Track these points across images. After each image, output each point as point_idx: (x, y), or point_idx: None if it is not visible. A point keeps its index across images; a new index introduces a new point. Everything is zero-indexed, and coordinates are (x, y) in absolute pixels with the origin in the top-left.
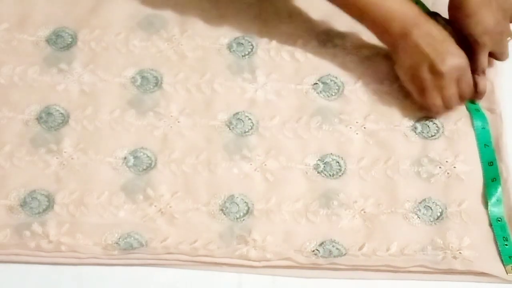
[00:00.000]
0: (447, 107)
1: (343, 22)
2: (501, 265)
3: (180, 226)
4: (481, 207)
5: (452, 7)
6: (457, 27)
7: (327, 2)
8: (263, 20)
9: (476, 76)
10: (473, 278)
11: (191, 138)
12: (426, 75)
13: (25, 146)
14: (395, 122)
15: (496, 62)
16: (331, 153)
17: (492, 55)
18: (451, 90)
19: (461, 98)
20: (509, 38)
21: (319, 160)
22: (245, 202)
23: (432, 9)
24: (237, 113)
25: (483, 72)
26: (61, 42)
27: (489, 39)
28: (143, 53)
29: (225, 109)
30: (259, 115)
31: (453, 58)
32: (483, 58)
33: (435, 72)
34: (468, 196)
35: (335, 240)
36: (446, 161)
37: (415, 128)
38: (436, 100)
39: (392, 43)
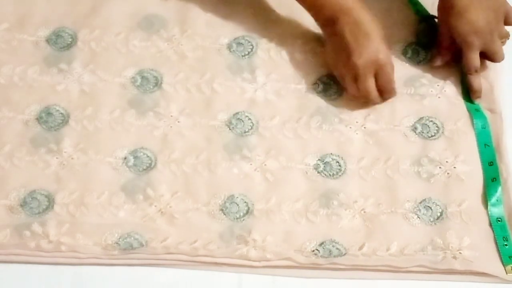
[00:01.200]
0: (366, 99)
1: None
2: (501, 265)
3: (180, 226)
4: (481, 207)
5: (441, 7)
6: (446, 26)
7: None
8: (263, 20)
9: (470, 75)
10: (473, 278)
11: (191, 138)
12: (344, 64)
13: (25, 146)
14: (395, 122)
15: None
16: (331, 153)
17: (485, 56)
18: (366, 83)
19: (381, 93)
20: (503, 39)
21: (319, 160)
22: (245, 202)
23: (432, 9)
24: (237, 113)
25: (476, 71)
26: (61, 42)
27: (478, 38)
28: (143, 53)
29: (225, 109)
30: (259, 115)
31: (371, 52)
32: (473, 57)
33: (352, 63)
34: (468, 196)
35: (335, 240)
36: (446, 161)
37: (415, 128)
38: (352, 89)
39: (322, 27)
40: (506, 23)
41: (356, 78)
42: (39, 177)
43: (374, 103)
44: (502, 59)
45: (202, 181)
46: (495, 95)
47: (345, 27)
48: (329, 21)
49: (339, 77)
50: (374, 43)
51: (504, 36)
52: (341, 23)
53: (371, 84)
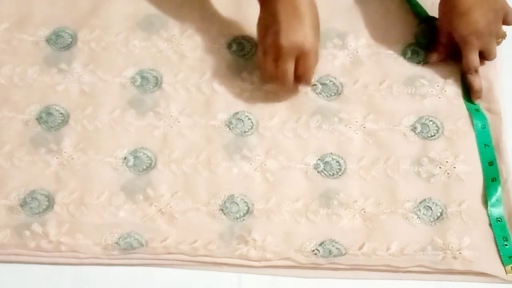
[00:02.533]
0: (279, 81)
1: (343, 22)
2: (501, 265)
3: (180, 226)
4: (481, 207)
5: (443, 6)
6: (446, 25)
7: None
8: None
9: (469, 75)
10: (473, 278)
11: (191, 138)
12: (269, 40)
13: (25, 146)
14: (394, 122)
15: (496, 62)
16: (331, 153)
17: (480, 55)
18: (285, 65)
19: (297, 79)
20: (500, 39)
21: (319, 159)
22: (245, 202)
23: (431, 9)
24: (237, 113)
25: (476, 71)
26: (61, 42)
27: (478, 39)
28: (143, 53)
29: (225, 109)
30: (259, 115)
31: (298, 36)
32: (473, 57)
33: (277, 42)
34: (468, 196)
35: (335, 239)
36: (446, 161)
37: (415, 128)
38: (269, 66)
39: (260, 0)
40: (504, 22)
41: (277, 58)
42: (39, 177)
43: (285, 89)
44: (495, 58)
45: (202, 181)
46: (495, 95)
47: (280, 6)
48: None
49: (261, 51)
50: (305, 28)
51: (501, 36)
52: (278, 2)
53: (289, 67)
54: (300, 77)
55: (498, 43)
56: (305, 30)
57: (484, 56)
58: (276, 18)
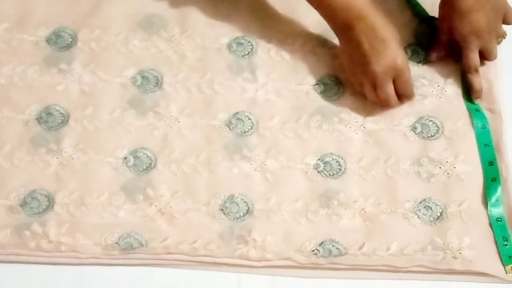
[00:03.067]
0: (385, 104)
1: None
2: (501, 265)
3: (180, 226)
4: (481, 207)
5: (444, 5)
6: (447, 24)
7: None
8: (263, 20)
9: (469, 75)
10: (473, 278)
11: (191, 138)
12: (361, 71)
13: (25, 146)
14: (394, 122)
15: (496, 62)
16: (331, 153)
17: (481, 55)
18: (385, 91)
19: (400, 97)
20: (500, 38)
21: (319, 159)
22: (245, 202)
23: (432, 9)
24: (237, 113)
25: (476, 71)
26: (61, 42)
27: (478, 38)
28: (143, 53)
29: (225, 109)
30: (259, 115)
31: (388, 58)
32: (473, 56)
33: (370, 70)
34: (468, 196)
35: (335, 239)
36: (446, 161)
37: (415, 128)
38: (371, 95)
39: (338, 33)
40: (504, 22)
41: (375, 85)
42: (39, 177)
43: (394, 107)
44: (495, 58)
45: (202, 181)
46: (495, 95)
47: (361, 34)
48: (345, 28)
49: (356, 84)
50: (391, 49)
51: (501, 36)
52: (357, 30)
53: (390, 90)
54: (402, 95)
55: (498, 43)
56: (392, 50)
57: (484, 56)
58: (361, 48)
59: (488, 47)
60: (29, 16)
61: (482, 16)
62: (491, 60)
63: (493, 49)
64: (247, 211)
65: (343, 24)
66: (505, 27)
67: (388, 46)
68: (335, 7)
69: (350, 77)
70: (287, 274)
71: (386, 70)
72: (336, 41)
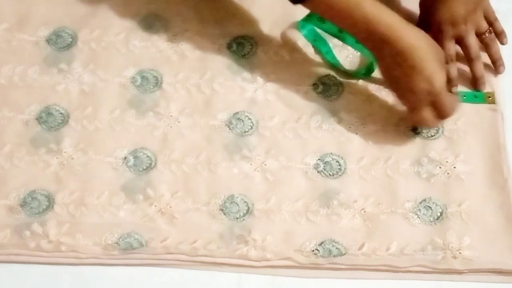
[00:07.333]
0: (442, 118)
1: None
2: (501, 261)
3: (180, 226)
4: (481, 207)
5: None
6: (424, 12)
7: None
8: (263, 20)
9: (469, 64)
10: (473, 278)
11: (191, 138)
12: (399, 93)
13: (25, 146)
14: (394, 122)
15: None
16: (331, 153)
17: (463, 50)
18: (422, 115)
19: (440, 117)
20: (483, 34)
21: (319, 159)
22: (245, 202)
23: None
24: (237, 113)
25: (452, 60)
26: (61, 42)
27: (452, 28)
28: (143, 53)
29: (225, 109)
30: (259, 115)
31: (421, 86)
32: (448, 46)
33: (405, 95)
34: (468, 196)
35: (335, 239)
36: (446, 161)
37: (415, 128)
38: (427, 114)
39: (372, 51)
40: (486, 18)
41: (433, 103)
42: (39, 177)
43: (435, 127)
44: (478, 55)
45: (202, 181)
46: (495, 95)
47: (390, 60)
48: (377, 48)
49: (405, 103)
50: (423, 74)
51: (483, 30)
52: (386, 54)
53: (426, 114)
54: (442, 115)
55: (483, 39)
56: (424, 75)
57: (464, 50)
58: (394, 73)
59: (464, 39)
60: (29, 16)
61: (461, 5)
62: (473, 56)
63: (471, 42)
64: (247, 211)
65: (375, 45)
66: (505, 28)
67: (419, 73)
68: (373, 22)
69: (399, 96)
70: (287, 274)
71: (419, 97)
72: (335, 41)
